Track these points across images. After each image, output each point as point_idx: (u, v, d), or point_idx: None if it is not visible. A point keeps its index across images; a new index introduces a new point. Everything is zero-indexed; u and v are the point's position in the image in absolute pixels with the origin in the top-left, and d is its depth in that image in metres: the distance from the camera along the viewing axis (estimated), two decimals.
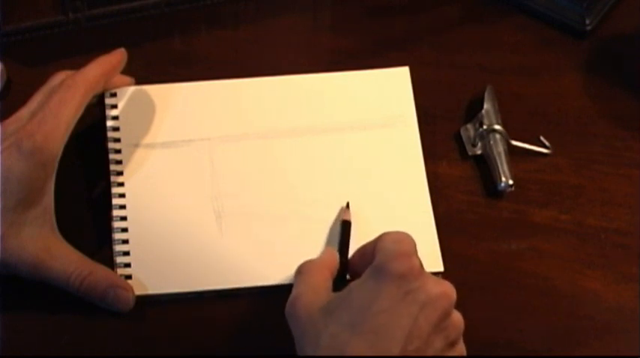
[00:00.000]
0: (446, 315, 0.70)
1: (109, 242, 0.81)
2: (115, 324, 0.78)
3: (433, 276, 0.71)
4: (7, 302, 0.78)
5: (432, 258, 0.81)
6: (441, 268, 0.82)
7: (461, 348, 0.72)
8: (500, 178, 0.86)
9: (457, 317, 0.71)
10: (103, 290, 0.78)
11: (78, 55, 0.88)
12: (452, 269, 0.81)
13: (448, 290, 0.71)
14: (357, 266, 0.76)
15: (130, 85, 0.87)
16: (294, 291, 0.73)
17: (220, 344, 0.78)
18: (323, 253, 0.80)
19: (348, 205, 0.83)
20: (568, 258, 0.84)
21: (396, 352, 0.67)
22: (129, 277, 0.80)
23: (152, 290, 0.80)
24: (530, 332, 0.80)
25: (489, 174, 0.87)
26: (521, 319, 0.81)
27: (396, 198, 0.85)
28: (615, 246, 0.84)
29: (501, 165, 0.86)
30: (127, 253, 0.81)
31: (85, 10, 0.91)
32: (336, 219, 0.83)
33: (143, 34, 0.92)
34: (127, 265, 0.80)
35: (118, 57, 0.84)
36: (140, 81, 0.87)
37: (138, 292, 0.79)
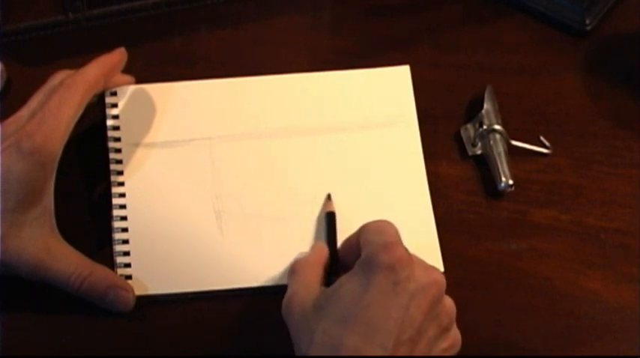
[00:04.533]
0: (437, 302, 0.70)
1: (109, 242, 0.81)
2: (115, 324, 0.78)
3: (422, 263, 0.71)
4: (7, 302, 0.78)
5: (432, 258, 0.81)
6: (441, 268, 0.82)
7: (455, 333, 0.72)
8: (500, 178, 0.86)
9: (449, 302, 0.72)
10: (103, 290, 0.78)
11: (78, 55, 0.88)
12: (452, 269, 0.81)
13: (437, 276, 0.71)
14: (344, 258, 0.76)
15: (130, 83, 0.87)
16: (288, 291, 0.74)
17: (220, 344, 0.78)
18: (312, 249, 0.80)
19: (329, 196, 0.83)
20: (568, 258, 0.84)
21: (390, 343, 0.67)
22: (129, 277, 0.80)
23: (152, 290, 0.80)
24: (530, 332, 0.80)
25: (489, 174, 0.87)
26: (521, 319, 0.81)
27: (396, 198, 0.85)
28: (615, 246, 0.84)
29: (501, 165, 0.86)
30: (127, 253, 0.81)
31: (85, 10, 0.91)
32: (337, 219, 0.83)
33: (143, 34, 0.92)
34: (127, 265, 0.80)
35: (117, 56, 0.84)
36: (140, 81, 0.87)
37: (138, 292, 0.79)
